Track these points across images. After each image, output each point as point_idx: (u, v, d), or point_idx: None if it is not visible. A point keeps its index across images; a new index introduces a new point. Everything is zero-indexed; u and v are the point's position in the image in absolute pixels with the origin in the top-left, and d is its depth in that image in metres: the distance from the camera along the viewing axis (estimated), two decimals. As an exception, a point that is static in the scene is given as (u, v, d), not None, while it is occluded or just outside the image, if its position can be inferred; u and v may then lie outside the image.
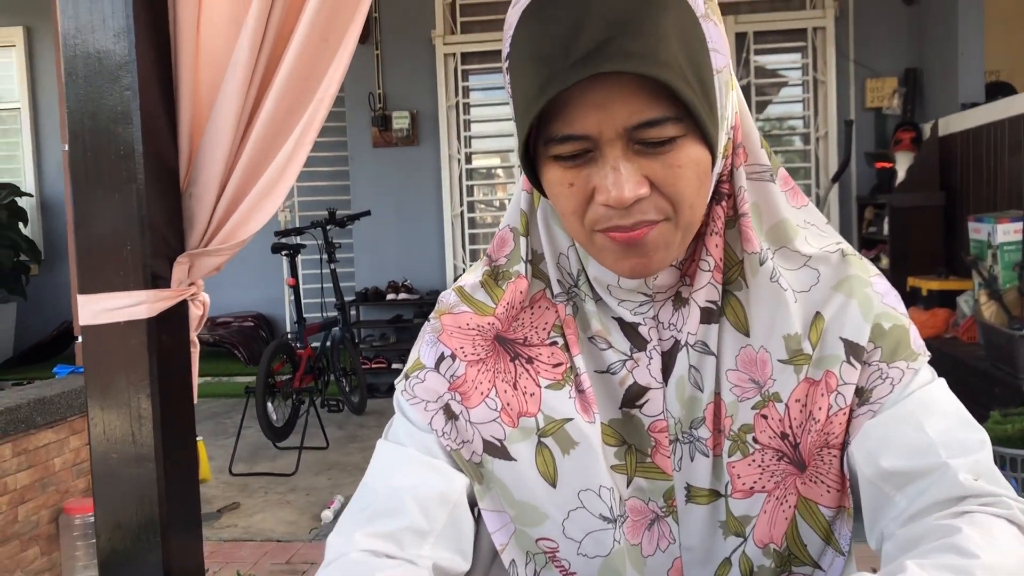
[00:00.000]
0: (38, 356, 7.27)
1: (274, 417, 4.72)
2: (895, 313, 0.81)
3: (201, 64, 1.54)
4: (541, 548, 0.81)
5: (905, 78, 6.13)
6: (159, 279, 1.54)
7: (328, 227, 5.27)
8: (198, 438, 3.47)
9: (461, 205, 6.90)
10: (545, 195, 0.77)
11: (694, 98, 0.67)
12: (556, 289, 0.84)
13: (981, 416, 3.31)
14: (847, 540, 0.80)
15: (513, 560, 0.82)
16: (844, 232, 6.23)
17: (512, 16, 0.72)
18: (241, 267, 7.04)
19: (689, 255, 0.80)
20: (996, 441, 3.07)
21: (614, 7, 0.65)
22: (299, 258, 5.17)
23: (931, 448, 0.74)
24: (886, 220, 5.40)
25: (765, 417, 0.79)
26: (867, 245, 6.06)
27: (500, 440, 0.81)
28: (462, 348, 0.84)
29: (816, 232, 0.84)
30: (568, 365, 0.82)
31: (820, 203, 6.06)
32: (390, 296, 6.60)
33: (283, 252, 5.04)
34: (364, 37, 6.82)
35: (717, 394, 0.80)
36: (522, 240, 0.85)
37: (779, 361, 0.79)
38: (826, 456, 0.79)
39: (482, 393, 0.82)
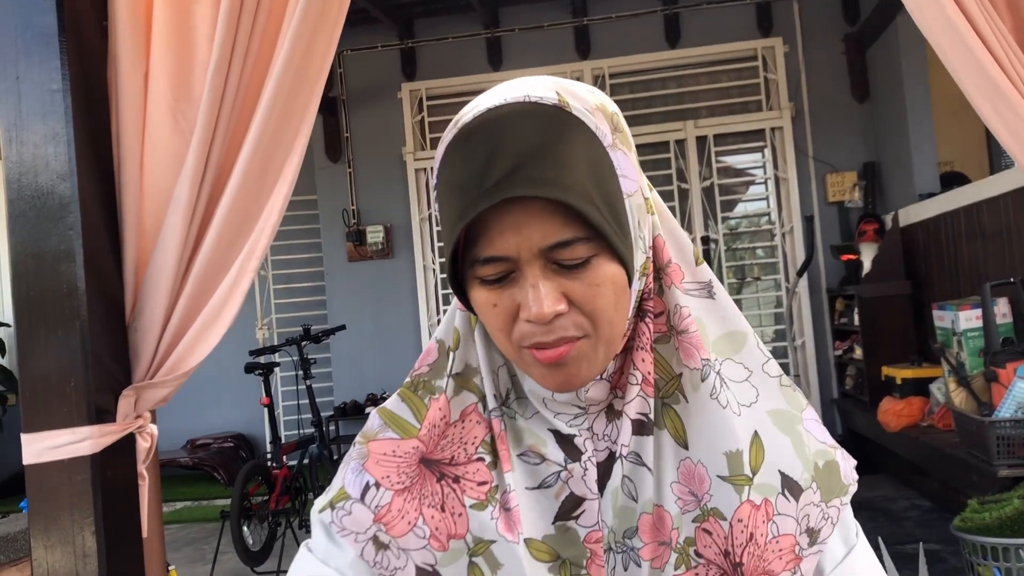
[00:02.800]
0: (14, 488, 7.12)
1: (250, 541, 4.61)
2: (826, 447, 0.84)
3: (145, 200, 1.58)
4: None
5: (864, 172, 6.30)
6: (105, 413, 1.55)
7: (303, 343, 5.27)
8: (171, 567, 3.39)
9: (438, 314, 6.95)
10: (475, 315, 0.80)
11: (602, 220, 0.72)
12: (491, 404, 0.85)
13: (960, 504, 3.29)
14: None
15: None
16: (816, 324, 6.29)
17: (439, 151, 0.77)
18: (220, 387, 7.01)
19: (619, 369, 0.83)
20: (975, 530, 3.04)
21: (525, 139, 0.71)
22: (275, 376, 5.15)
23: None
24: (856, 311, 5.47)
25: (708, 532, 0.79)
26: (840, 336, 6.10)
27: (432, 565, 0.82)
28: (387, 477, 0.85)
29: (763, 346, 0.88)
30: (493, 484, 0.83)
31: (790, 296, 6.13)
32: (369, 409, 6.55)
33: (256, 372, 5.02)
34: (336, 156, 7.00)
35: (658, 505, 0.81)
36: (450, 354, 0.87)
37: (718, 477, 0.80)
38: None
39: (409, 522, 0.83)
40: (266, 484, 4.84)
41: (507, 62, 6.81)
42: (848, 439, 5.65)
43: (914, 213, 5.40)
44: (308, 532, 5.34)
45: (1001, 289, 3.80)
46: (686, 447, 0.81)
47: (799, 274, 5.64)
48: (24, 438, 1.52)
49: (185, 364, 1.58)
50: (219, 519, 4.67)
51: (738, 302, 6.54)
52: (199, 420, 7.18)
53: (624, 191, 0.76)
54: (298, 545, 3.88)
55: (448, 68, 6.84)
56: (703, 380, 0.81)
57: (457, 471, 0.84)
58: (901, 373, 4.82)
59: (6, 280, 7.74)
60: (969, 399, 3.68)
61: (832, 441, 0.86)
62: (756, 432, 0.82)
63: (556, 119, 0.72)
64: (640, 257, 0.79)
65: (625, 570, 0.81)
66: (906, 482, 5.20)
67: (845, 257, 5.91)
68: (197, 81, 1.57)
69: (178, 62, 1.58)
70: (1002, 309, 3.80)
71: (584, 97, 0.76)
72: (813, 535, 0.81)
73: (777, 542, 0.79)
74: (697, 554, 0.79)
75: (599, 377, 0.81)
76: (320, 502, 0.88)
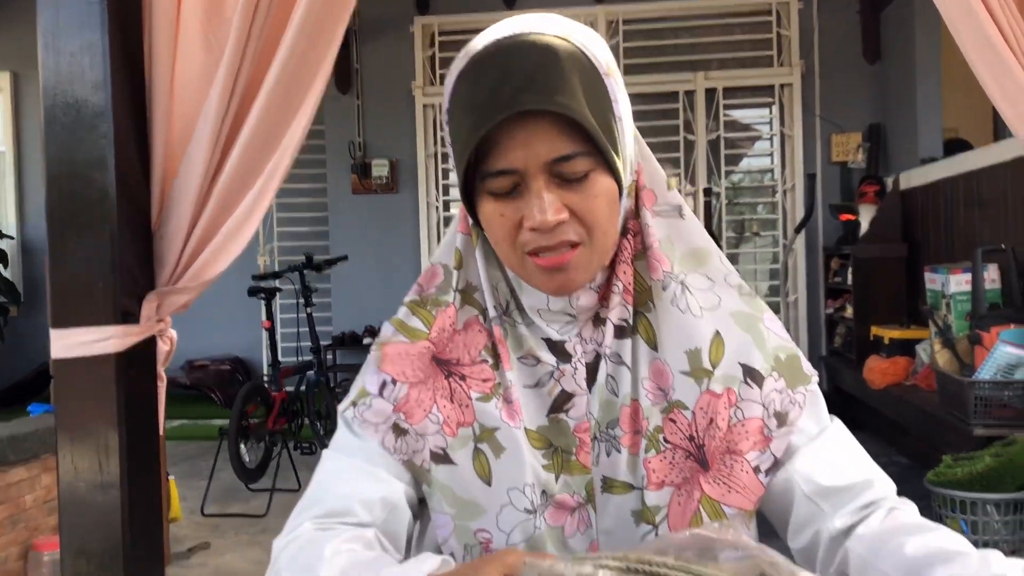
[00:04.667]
0: (16, 397, 7.24)
1: (247, 459, 4.75)
2: (787, 344, 0.98)
3: (174, 114, 1.64)
4: (478, 540, 0.93)
5: (869, 133, 6.33)
6: (129, 315, 1.63)
7: (305, 271, 5.35)
8: (169, 476, 3.50)
9: (438, 251, 7.02)
10: (481, 227, 0.92)
11: (600, 136, 0.83)
12: (492, 313, 0.97)
13: (936, 461, 3.40)
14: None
15: (452, 553, 0.94)
16: (811, 281, 6.39)
17: (449, 80, 0.89)
18: (219, 310, 7.08)
19: (605, 281, 0.95)
20: (946, 484, 3.17)
21: (531, 63, 0.82)
22: (276, 302, 5.23)
23: (857, 470, 0.93)
24: (850, 270, 5.55)
25: (673, 421, 0.93)
26: (833, 295, 6.20)
27: (443, 449, 0.94)
28: (403, 372, 0.97)
29: (727, 261, 1.01)
30: (496, 381, 0.96)
31: (787, 252, 6.21)
32: (366, 340, 6.66)
33: (259, 295, 5.11)
34: (345, 87, 6.99)
35: (635, 400, 0.94)
36: (454, 273, 0.99)
37: (680, 372, 0.93)
38: (728, 460, 0.92)
39: (424, 411, 0.95)
40: (264, 405, 4.96)
41: (521, 1, 6.78)
42: (834, 396, 5.77)
43: (915, 177, 5.45)
44: (303, 453, 5.47)
45: (993, 255, 3.88)
46: (655, 349, 0.94)
47: (797, 230, 5.71)
48: (53, 333, 1.60)
49: (206, 273, 1.65)
50: (216, 438, 4.79)
51: (735, 256, 6.63)
52: (197, 341, 7.25)
53: (617, 114, 0.87)
54: (293, 466, 4.05)
55: (462, 4, 6.81)
56: (664, 290, 0.94)
57: (463, 370, 0.96)
58: (889, 333, 4.92)
59: (10, 191, 7.77)
60: (953, 360, 3.79)
61: (789, 338, 0.99)
62: (717, 331, 0.94)
63: (559, 47, 0.83)
64: (629, 177, 0.91)
65: (608, 456, 0.94)
66: (888, 440, 5.34)
67: (844, 217, 5.98)
68: (229, 0, 1.62)
69: (211, -19, 1.62)
70: (992, 275, 3.88)
71: (584, 33, 0.88)
72: (781, 418, 0.94)
73: (743, 425, 0.93)
74: (665, 440, 0.92)
75: (589, 286, 0.93)
76: (343, 404, 0.99)
